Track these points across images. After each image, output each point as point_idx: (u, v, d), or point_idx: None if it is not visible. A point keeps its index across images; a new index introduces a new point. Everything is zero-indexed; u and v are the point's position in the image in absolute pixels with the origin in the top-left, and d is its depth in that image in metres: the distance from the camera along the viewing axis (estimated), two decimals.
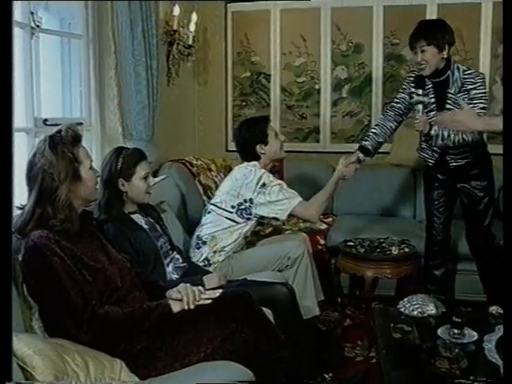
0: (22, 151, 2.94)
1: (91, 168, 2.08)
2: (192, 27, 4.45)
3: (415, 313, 2.45)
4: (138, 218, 2.68)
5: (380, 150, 4.17)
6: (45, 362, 1.49)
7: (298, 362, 2.40)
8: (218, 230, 3.04)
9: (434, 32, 3.08)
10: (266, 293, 2.50)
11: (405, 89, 3.31)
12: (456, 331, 2.21)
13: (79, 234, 2.00)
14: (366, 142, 3.35)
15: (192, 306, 2.01)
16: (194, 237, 3.12)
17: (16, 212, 2.01)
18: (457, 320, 2.23)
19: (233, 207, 3.03)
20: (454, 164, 3.22)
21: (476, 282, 3.42)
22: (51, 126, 3.09)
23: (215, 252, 3.00)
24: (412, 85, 3.23)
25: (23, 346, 1.53)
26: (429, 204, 3.41)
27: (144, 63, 3.46)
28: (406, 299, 2.52)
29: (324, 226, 4.03)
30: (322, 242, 3.85)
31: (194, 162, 4.09)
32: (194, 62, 4.72)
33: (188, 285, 2.11)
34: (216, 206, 3.10)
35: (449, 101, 3.11)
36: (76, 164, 2.00)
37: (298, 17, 4.83)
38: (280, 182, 3.08)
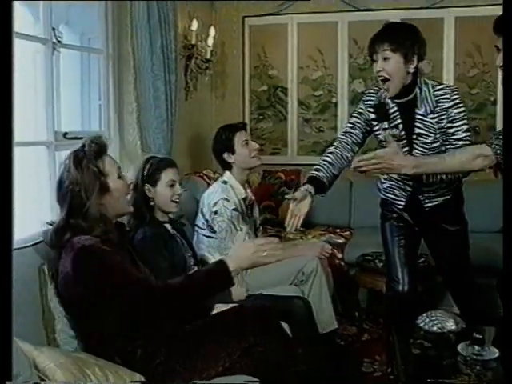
0: (43, 164, 2.98)
1: (120, 177, 2.07)
2: (210, 41, 4.49)
3: (435, 328, 2.41)
4: (170, 229, 2.70)
5: None
6: (66, 375, 1.50)
7: (315, 377, 2.38)
8: (205, 252, 3.01)
9: (402, 37, 2.45)
10: (282, 307, 2.49)
11: (361, 113, 2.68)
12: (477, 348, 2.17)
13: (115, 245, 2.00)
14: (320, 173, 2.57)
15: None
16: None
17: (45, 227, 2.03)
18: (477, 336, 2.19)
19: (203, 224, 3.03)
20: (430, 204, 2.67)
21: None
22: (71, 140, 3.14)
23: None
24: (370, 110, 2.63)
25: (45, 359, 1.54)
26: (391, 248, 2.80)
27: (163, 78, 3.49)
28: (425, 314, 2.49)
29: (341, 240, 4.01)
30: (340, 255, 3.83)
31: (211, 175, 4.11)
32: (211, 76, 4.76)
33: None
34: (196, 225, 3.10)
35: (418, 124, 2.52)
36: (102, 177, 1.99)
37: (315, 30, 4.85)
38: (231, 220, 2.92)
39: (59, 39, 3.05)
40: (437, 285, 3.37)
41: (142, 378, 1.78)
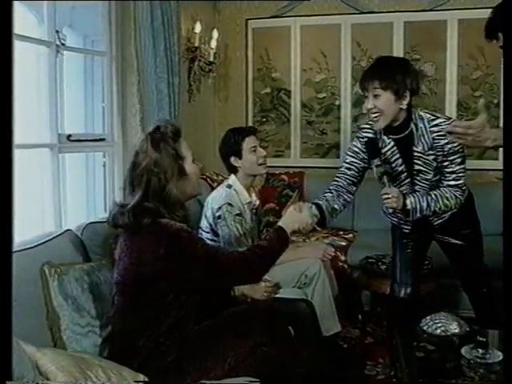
0: (47, 167, 2.99)
1: (193, 161, 2.06)
2: (213, 44, 4.50)
3: (438, 331, 2.40)
4: None
5: None
6: (68, 378, 1.50)
7: (318, 379, 2.38)
8: None
9: (392, 73, 2.39)
10: (285, 309, 2.48)
11: (357, 152, 2.63)
12: (481, 351, 2.16)
13: None
14: (320, 202, 2.57)
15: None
16: None
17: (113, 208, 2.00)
18: (481, 339, 2.18)
19: (206, 227, 3.01)
20: (439, 221, 2.68)
21: None
22: (74, 142, 3.15)
23: None
24: (365, 149, 2.59)
25: (47, 361, 1.54)
26: (398, 250, 2.83)
27: (166, 80, 3.50)
28: (428, 317, 2.48)
29: (345, 242, 4.01)
30: (343, 258, 3.82)
31: (215, 177, 4.11)
32: (214, 79, 4.77)
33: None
34: (199, 228, 3.09)
35: (417, 161, 2.50)
36: (180, 161, 1.96)
37: (318, 33, 4.85)
38: (235, 225, 2.91)
39: (63, 42, 3.07)
40: (441, 287, 3.37)
41: (146, 379, 1.78)
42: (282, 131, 5.02)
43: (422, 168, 2.51)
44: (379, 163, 2.48)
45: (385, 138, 2.54)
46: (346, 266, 3.80)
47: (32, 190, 2.99)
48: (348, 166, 2.65)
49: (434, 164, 2.49)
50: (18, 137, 2.35)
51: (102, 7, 3.45)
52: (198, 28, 4.21)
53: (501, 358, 2.15)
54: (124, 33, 3.54)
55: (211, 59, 4.50)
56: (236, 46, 5.03)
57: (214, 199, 2.99)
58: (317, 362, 2.40)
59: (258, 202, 3.21)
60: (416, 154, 2.49)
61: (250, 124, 4.98)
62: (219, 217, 2.91)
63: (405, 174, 2.56)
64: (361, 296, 3.62)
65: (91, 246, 2.38)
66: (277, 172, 4.62)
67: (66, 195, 3.15)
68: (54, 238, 2.24)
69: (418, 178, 2.55)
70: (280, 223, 2.19)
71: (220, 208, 2.92)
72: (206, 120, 4.83)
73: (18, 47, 2.57)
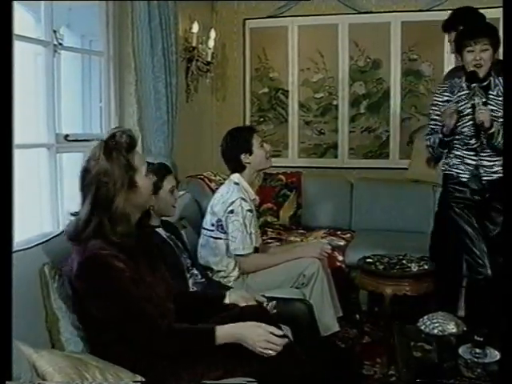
0: (44, 167, 2.99)
1: (147, 175, 2.00)
2: (211, 44, 4.50)
3: (436, 331, 2.41)
4: (162, 233, 2.69)
5: (398, 166, 4.21)
6: (65, 379, 1.50)
7: (315, 379, 2.37)
8: (210, 254, 3.00)
9: (496, 32, 2.88)
10: (284, 310, 2.49)
11: (438, 105, 3.08)
12: (478, 350, 2.17)
13: (132, 252, 1.92)
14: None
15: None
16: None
17: (69, 218, 1.97)
18: (478, 339, 2.19)
19: (212, 225, 3.00)
20: (487, 178, 2.97)
21: None
22: (72, 142, 3.15)
23: (224, 277, 2.98)
24: (447, 94, 3.04)
25: (44, 363, 1.53)
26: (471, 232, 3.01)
27: (164, 80, 3.50)
28: (426, 317, 2.49)
29: (342, 242, 4.01)
30: (341, 258, 3.82)
31: (213, 177, 4.10)
32: (212, 79, 4.77)
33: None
34: (203, 228, 3.08)
35: (491, 102, 2.92)
36: (131, 172, 1.90)
37: (315, 33, 4.85)
38: (244, 221, 2.92)
39: (60, 41, 3.06)
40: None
41: (143, 380, 1.77)
42: (279, 131, 5.02)
43: (494, 108, 2.91)
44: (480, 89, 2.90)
45: (464, 85, 2.99)
46: (343, 265, 3.80)
47: (29, 190, 2.99)
48: (436, 117, 3.09)
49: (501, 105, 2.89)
50: (16, 137, 2.35)
51: (99, 7, 3.45)
52: (195, 28, 4.21)
53: (498, 357, 2.15)
54: (121, 33, 3.54)
55: (209, 59, 4.51)
56: (233, 46, 5.03)
57: (225, 195, 2.98)
58: (314, 362, 2.40)
59: (258, 200, 3.21)
60: (491, 96, 2.94)
61: (248, 123, 4.98)
62: (232, 211, 2.91)
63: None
64: (358, 296, 3.62)
65: None
66: (274, 172, 4.62)
67: (63, 195, 3.15)
68: (52, 238, 2.23)
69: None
70: (226, 326, 1.93)
71: (233, 202, 2.92)
72: (204, 120, 4.83)
73: (16, 47, 2.57)
